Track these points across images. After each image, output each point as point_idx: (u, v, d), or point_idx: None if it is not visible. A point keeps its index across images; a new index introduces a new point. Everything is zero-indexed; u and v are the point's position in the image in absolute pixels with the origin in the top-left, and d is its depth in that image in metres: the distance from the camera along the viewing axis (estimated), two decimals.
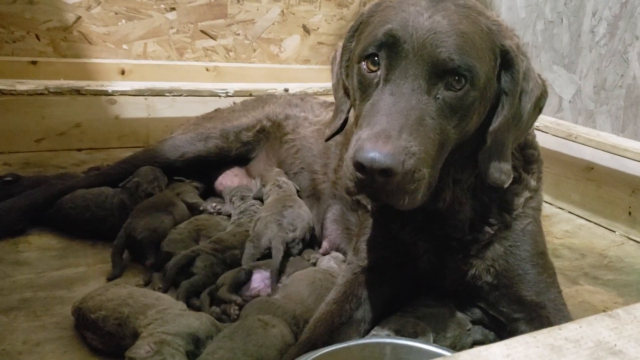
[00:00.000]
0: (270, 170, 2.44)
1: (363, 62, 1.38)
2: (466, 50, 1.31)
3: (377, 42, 1.34)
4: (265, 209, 2.11)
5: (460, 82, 1.32)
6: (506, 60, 1.42)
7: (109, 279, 1.89)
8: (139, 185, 2.19)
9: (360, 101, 1.40)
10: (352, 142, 1.28)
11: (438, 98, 1.31)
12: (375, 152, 1.18)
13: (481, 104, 1.38)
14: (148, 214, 2.04)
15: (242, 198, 2.26)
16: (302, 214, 2.09)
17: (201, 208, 2.29)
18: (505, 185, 1.48)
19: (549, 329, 1.02)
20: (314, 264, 2.00)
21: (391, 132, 1.22)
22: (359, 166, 1.20)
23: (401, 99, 1.28)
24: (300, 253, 2.03)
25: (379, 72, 1.35)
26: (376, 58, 1.36)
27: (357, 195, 1.66)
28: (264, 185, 2.31)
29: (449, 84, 1.32)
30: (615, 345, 0.98)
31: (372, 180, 1.21)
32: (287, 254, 1.98)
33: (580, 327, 1.03)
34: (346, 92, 1.63)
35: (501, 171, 1.46)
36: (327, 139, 1.77)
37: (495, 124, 1.44)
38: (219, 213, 2.30)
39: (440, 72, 1.30)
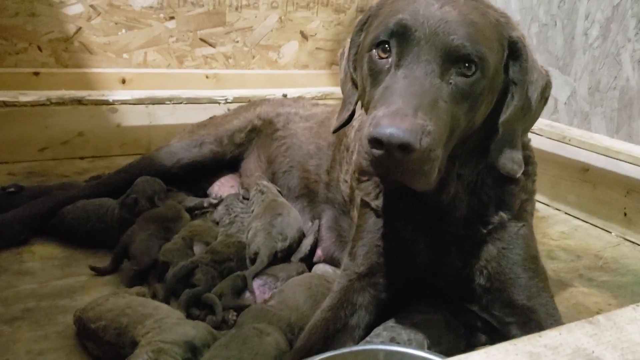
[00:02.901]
0: (251, 175, 2.47)
1: (374, 50, 1.40)
2: (477, 38, 1.34)
3: (388, 31, 1.36)
4: (256, 219, 2.13)
5: (470, 69, 1.34)
6: (514, 51, 1.45)
7: (95, 271, 1.99)
8: (137, 201, 2.22)
9: (371, 87, 1.41)
10: (366, 122, 1.28)
11: (450, 83, 1.33)
12: (393, 128, 1.18)
13: (489, 94, 1.41)
14: (150, 228, 2.08)
15: (228, 207, 2.29)
16: (291, 223, 2.12)
17: (205, 204, 2.36)
18: (517, 175, 1.52)
19: (530, 336, 1.05)
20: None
21: (407, 111, 1.22)
22: (376, 142, 1.20)
23: (415, 81, 1.29)
24: (285, 260, 2.06)
25: (390, 59, 1.37)
26: (387, 46, 1.37)
27: (370, 175, 1.66)
28: (247, 191, 2.35)
29: (460, 71, 1.34)
30: (593, 351, 1.01)
31: (389, 157, 1.21)
32: (272, 262, 2.00)
33: (560, 333, 1.06)
34: (354, 84, 1.65)
35: (513, 161, 1.50)
36: (335, 131, 1.78)
37: (506, 114, 1.47)
38: (220, 201, 2.36)
39: (453, 58, 1.33)
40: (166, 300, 1.80)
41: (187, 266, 1.85)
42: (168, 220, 2.17)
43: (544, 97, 1.54)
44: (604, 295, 2.17)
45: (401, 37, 1.35)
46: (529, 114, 1.52)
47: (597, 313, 1.97)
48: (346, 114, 1.70)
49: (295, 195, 2.37)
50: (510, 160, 1.50)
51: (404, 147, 1.19)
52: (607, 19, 2.80)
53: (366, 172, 1.31)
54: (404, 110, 1.22)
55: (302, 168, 2.38)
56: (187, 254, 1.98)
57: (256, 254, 1.96)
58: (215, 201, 2.34)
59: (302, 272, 1.97)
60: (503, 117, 1.48)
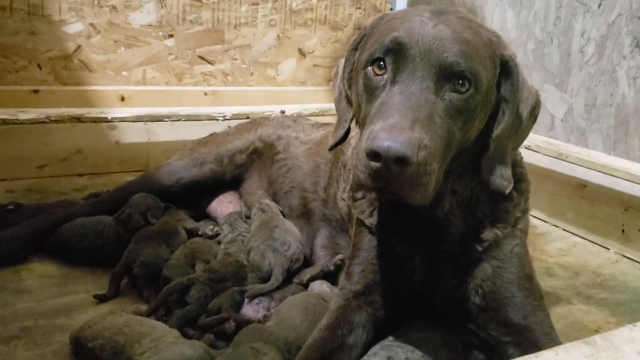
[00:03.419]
0: (253, 194, 2.48)
1: (369, 67, 1.43)
2: (470, 56, 1.37)
3: (383, 48, 1.39)
4: (254, 238, 2.13)
5: (464, 86, 1.37)
6: (506, 69, 1.49)
7: (98, 298, 1.94)
8: (131, 216, 2.22)
9: (367, 103, 1.44)
10: (363, 136, 1.30)
11: (445, 99, 1.36)
12: (391, 141, 1.20)
13: (482, 110, 1.44)
14: (149, 244, 2.08)
15: (231, 226, 2.29)
16: (289, 230, 2.14)
17: (200, 232, 2.33)
18: (507, 191, 1.53)
19: (526, 356, 1.05)
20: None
21: (404, 125, 1.25)
22: (374, 154, 1.22)
23: (411, 97, 1.32)
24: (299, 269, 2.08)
25: (385, 76, 1.39)
26: (382, 63, 1.40)
27: (367, 189, 1.67)
28: (249, 209, 2.35)
29: (455, 87, 1.37)
30: None
31: (386, 169, 1.22)
32: (290, 274, 2.03)
33: (557, 354, 1.06)
34: (349, 102, 1.67)
35: (503, 177, 1.52)
36: (331, 148, 1.80)
37: (497, 130, 1.50)
38: (217, 234, 2.33)
39: (447, 75, 1.35)
40: (153, 312, 1.79)
41: (183, 282, 1.85)
42: (165, 235, 2.17)
43: (533, 115, 1.57)
44: (603, 313, 2.16)
45: (396, 54, 1.37)
46: (520, 130, 1.55)
47: (596, 331, 1.96)
48: (341, 132, 1.72)
49: (297, 214, 2.38)
50: (500, 176, 1.52)
51: (401, 160, 1.21)
52: (603, 36, 2.83)
53: (364, 185, 1.32)
54: (400, 124, 1.24)
55: (301, 188, 2.39)
56: (187, 271, 1.97)
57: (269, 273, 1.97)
58: (210, 233, 2.32)
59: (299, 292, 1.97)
60: (494, 134, 1.50)
